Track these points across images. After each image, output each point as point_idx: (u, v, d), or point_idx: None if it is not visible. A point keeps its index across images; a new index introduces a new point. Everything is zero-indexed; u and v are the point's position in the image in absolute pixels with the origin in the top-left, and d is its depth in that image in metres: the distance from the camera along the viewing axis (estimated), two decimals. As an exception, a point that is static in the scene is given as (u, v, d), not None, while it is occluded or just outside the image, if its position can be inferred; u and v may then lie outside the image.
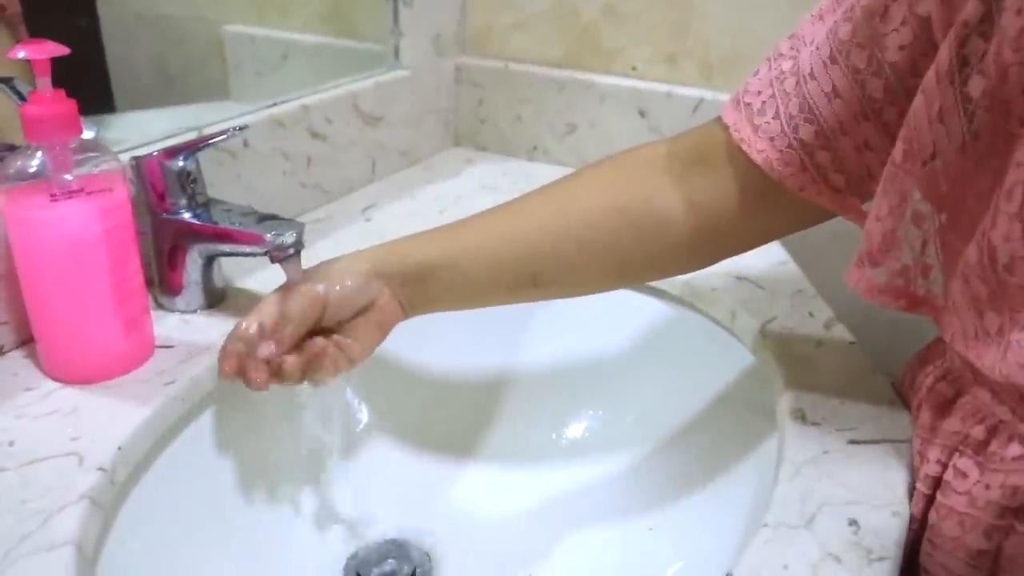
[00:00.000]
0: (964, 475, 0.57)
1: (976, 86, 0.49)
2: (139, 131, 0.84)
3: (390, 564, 0.78)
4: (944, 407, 0.61)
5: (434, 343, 0.87)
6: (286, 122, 0.95)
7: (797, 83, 0.59)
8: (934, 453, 0.60)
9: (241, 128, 0.77)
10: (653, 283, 0.89)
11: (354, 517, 0.80)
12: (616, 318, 0.91)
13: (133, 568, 0.60)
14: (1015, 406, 0.55)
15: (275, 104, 0.96)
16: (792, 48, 0.61)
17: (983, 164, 0.50)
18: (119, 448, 0.61)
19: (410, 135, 1.17)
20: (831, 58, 0.57)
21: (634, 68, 1.15)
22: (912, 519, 0.59)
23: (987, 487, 0.56)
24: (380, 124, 1.10)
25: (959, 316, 0.55)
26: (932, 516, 0.59)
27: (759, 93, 0.62)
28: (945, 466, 0.59)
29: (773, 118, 0.60)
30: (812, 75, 0.58)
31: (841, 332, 0.80)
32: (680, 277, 0.87)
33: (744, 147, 0.61)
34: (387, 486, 0.83)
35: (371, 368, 0.75)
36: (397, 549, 0.79)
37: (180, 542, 0.66)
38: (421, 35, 1.17)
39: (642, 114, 1.12)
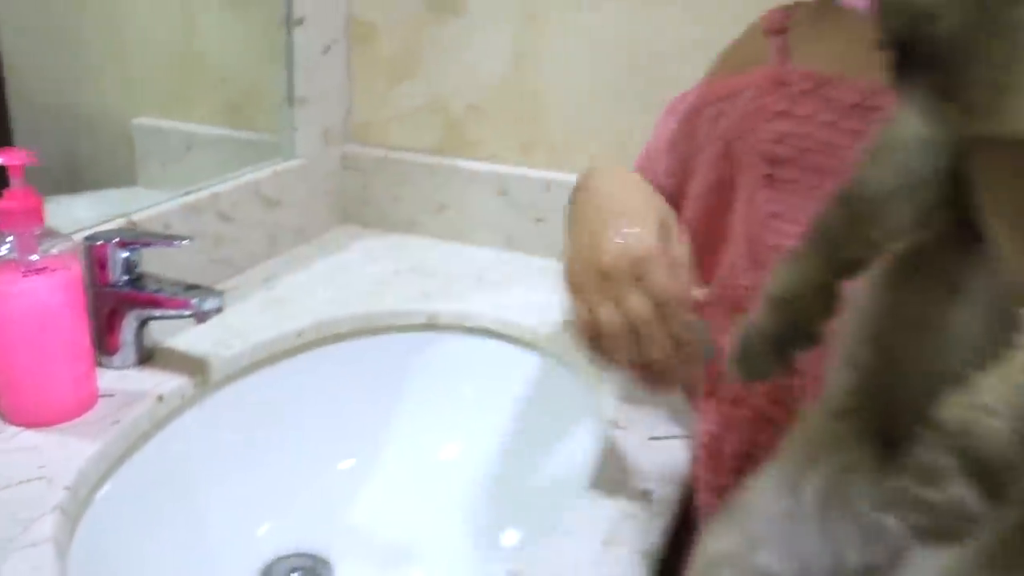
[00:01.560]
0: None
1: None
2: (68, 217, 0.95)
3: (297, 573, 0.94)
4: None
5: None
6: (199, 207, 1.12)
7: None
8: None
9: (189, 239, 0.94)
10: (503, 331, 1.10)
11: (268, 530, 0.96)
12: (472, 362, 1.11)
13: (95, 558, 0.76)
14: None
15: (189, 192, 1.13)
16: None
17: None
18: (79, 472, 0.77)
19: (304, 215, 1.34)
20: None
21: (495, 154, 1.34)
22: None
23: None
24: (278, 207, 1.27)
25: None
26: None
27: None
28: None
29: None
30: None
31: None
32: (525, 325, 1.07)
33: None
34: (293, 502, 1.00)
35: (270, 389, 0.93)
36: (303, 559, 0.96)
37: (129, 541, 0.82)
38: (312, 129, 1.34)
39: (502, 193, 1.32)
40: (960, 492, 0.40)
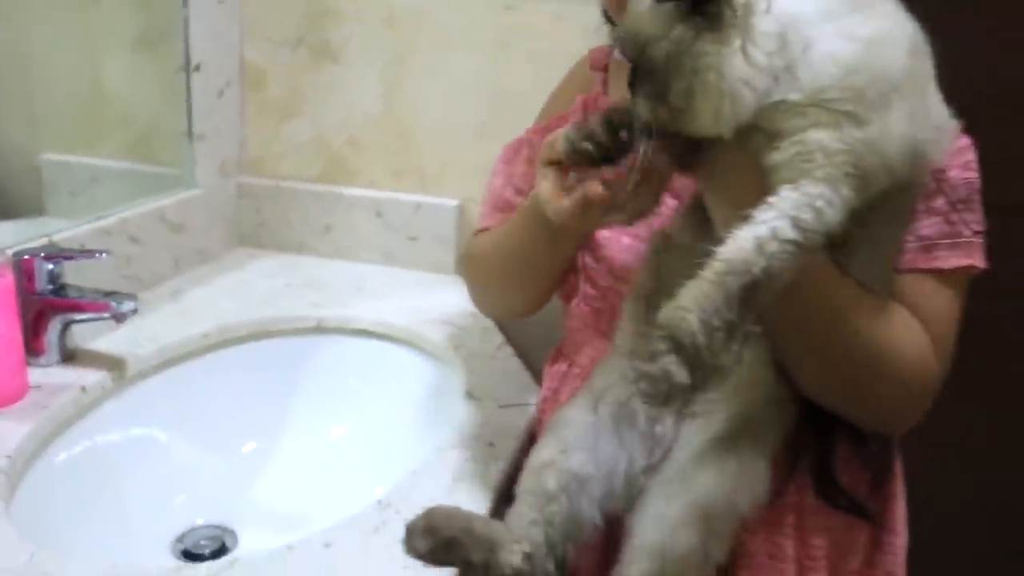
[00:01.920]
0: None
1: None
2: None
3: (206, 541, 1.10)
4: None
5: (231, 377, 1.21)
6: (111, 230, 1.27)
7: None
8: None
9: (106, 252, 1.11)
10: (381, 331, 1.28)
11: (180, 504, 1.12)
12: (354, 358, 1.29)
13: (31, 517, 0.90)
14: None
15: (101, 217, 1.27)
16: None
17: None
18: (16, 447, 0.92)
19: (205, 238, 1.49)
20: None
21: (372, 181, 1.52)
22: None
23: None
24: (182, 230, 1.42)
25: None
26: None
27: None
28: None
29: None
30: None
31: (507, 351, 1.21)
32: (399, 325, 1.26)
33: None
34: (202, 480, 1.15)
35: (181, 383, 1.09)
36: (212, 529, 1.11)
37: (61, 507, 0.97)
38: (210, 162, 1.50)
39: (378, 215, 1.50)
40: (668, 365, 0.62)
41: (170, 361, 1.17)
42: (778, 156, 0.66)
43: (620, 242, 0.92)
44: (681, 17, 0.64)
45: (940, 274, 0.80)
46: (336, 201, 1.53)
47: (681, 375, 0.62)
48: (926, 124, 0.71)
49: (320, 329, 1.30)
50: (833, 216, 0.65)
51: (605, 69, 1.01)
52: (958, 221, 0.81)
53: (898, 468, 0.89)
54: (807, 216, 0.64)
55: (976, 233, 0.81)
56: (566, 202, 0.77)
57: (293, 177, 1.56)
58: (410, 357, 1.26)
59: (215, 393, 1.21)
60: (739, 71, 0.64)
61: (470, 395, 1.09)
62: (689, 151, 0.71)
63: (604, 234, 0.93)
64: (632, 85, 0.70)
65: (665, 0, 0.65)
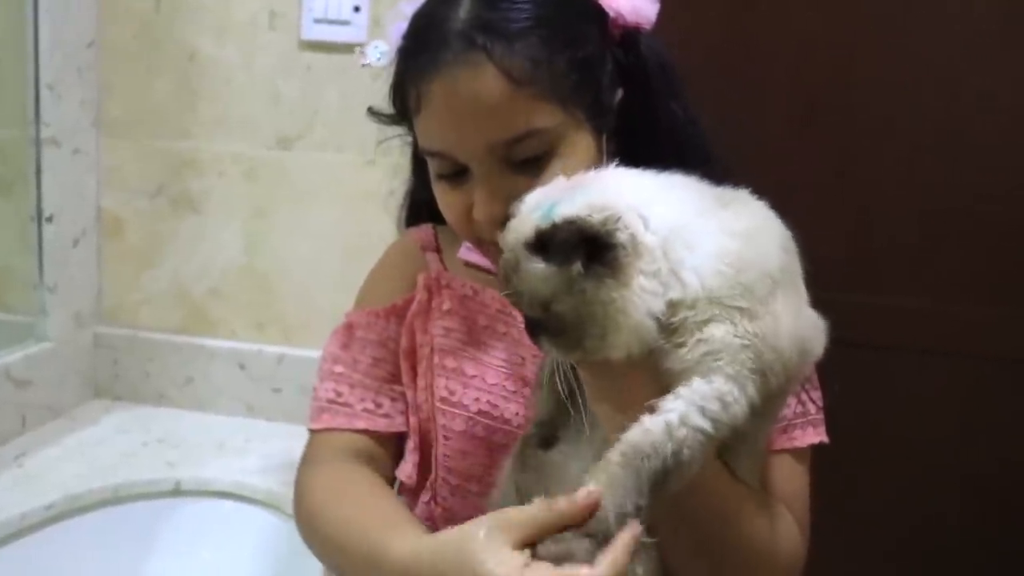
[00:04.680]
0: None
1: None
2: None
3: None
4: None
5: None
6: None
7: None
8: None
9: None
10: (241, 493, 1.25)
11: None
12: (212, 524, 1.25)
13: None
14: None
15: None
16: None
17: None
18: None
19: (56, 393, 1.44)
20: None
21: (234, 332, 1.51)
22: None
23: None
24: (28, 387, 1.37)
25: None
26: None
27: None
28: None
29: None
30: None
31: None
32: (261, 487, 1.23)
33: None
34: None
35: None
36: None
37: None
38: (64, 312, 1.45)
39: (241, 367, 1.48)
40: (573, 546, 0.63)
41: (9, 536, 1.11)
42: (687, 355, 0.67)
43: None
44: (580, 272, 0.65)
45: (795, 452, 0.84)
46: (197, 352, 1.50)
47: (584, 555, 0.62)
48: (807, 317, 0.72)
49: (178, 492, 1.26)
50: (740, 411, 0.66)
51: (438, 249, 1.01)
52: (807, 400, 0.85)
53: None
54: (715, 407, 0.65)
55: (819, 409, 0.85)
56: None
57: (152, 327, 1.53)
58: (272, 521, 1.23)
59: (62, 568, 1.15)
60: (643, 305, 0.65)
61: (331, 568, 1.06)
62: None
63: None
64: (536, 338, 0.71)
65: (559, 261, 0.66)
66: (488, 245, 0.83)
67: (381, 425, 0.94)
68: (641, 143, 0.85)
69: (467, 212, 0.83)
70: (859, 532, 1.58)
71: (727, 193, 0.72)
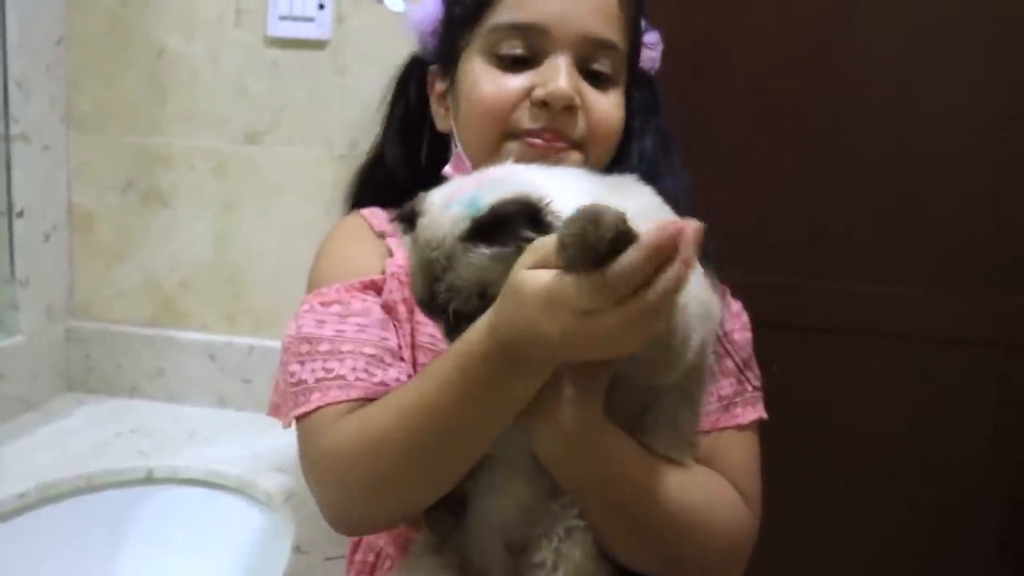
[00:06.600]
0: None
1: None
2: None
3: None
4: None
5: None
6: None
7: None
8: None
9: None
10: (212, 480, 1.28)
11: None
12: (183, 510, 1.28)
13: None
14: None
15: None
16: None
17: None
18: None
19: (28, 386, 1.45)
20: None
21: (204, 325, 1.53)
22: None
23: None
24: (1, 380, 1.38)
25: None
26: None
27: None
28: None
29: None
30: None
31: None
32: (231, 474, 1.26)
33: None
34: None
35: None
36: None
37: None
38: (36, 308, 1.47)
39: (212, 358, 1.50)
40: None
41: (-15, 524, 1.13)
42: None
43: None
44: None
45: (739, 428, 0.89)
46: (168, 344, 1.52)
47: None
48: (702, 282, 0.72)
49: (150, 480, 1.29)
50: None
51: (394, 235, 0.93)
52: (745, 379, 0.90)
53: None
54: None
55: (756, 388, 0.90)
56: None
57: (124, 320, 1.55)
58: (241, 506, 1.26)
59: (34, 557, 1.17)
60: None
61: (298, 548, 1.09)
62: None
63: None
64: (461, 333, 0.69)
65: (505, 242, 0.66)
66: (522, 133, 0.87)
67: (380, 393, 0.81)
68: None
69: (517, 99, 0.86)
70: (811, 511, 1.63)
71: (616, 179, 0.78)
